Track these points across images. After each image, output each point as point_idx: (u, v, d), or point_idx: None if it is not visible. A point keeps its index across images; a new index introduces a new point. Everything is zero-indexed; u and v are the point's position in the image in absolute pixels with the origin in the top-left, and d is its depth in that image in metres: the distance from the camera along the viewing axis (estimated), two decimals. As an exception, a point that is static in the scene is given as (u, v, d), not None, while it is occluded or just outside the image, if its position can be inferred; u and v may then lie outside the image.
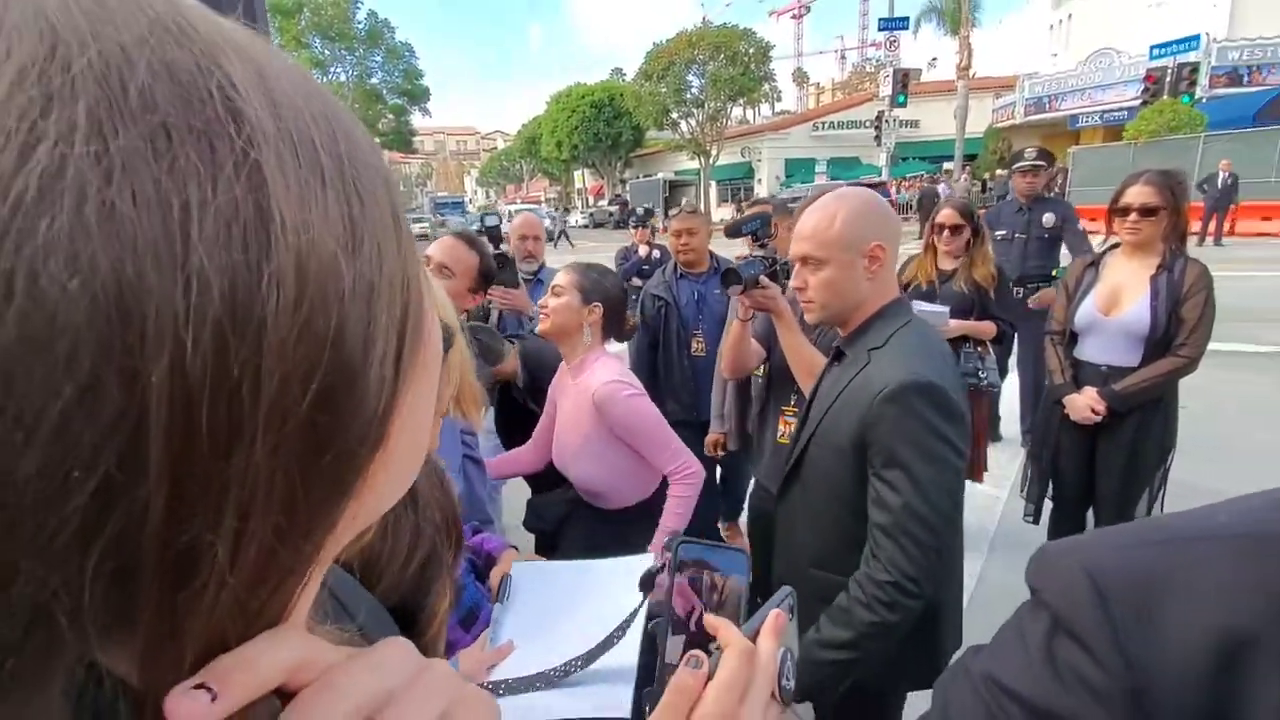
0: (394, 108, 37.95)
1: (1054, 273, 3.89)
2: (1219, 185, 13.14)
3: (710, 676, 0.48)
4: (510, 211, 26.77)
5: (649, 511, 1.76)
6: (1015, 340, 3.69)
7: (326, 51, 34.01)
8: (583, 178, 45.14)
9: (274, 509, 0.20)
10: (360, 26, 34.65)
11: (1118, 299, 2.31)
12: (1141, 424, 2.30)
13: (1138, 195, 2.24)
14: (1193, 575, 0.51)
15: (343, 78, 35.14)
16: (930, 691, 1.36)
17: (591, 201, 42.55)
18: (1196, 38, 19.08)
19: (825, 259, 1.31)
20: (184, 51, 0.19)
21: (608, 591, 1.12)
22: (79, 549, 0.17)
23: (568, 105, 34.77)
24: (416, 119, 40.57)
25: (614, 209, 31.71)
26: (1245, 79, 19.95)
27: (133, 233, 0.16)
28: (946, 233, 3.00)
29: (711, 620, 0.53)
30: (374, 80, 36.37)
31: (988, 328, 2.86)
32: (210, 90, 0.19)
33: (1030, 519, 2.68)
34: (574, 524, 1.87)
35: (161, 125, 0.17)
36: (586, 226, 34.18)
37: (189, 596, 0.19)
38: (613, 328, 1.82)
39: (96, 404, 0.16)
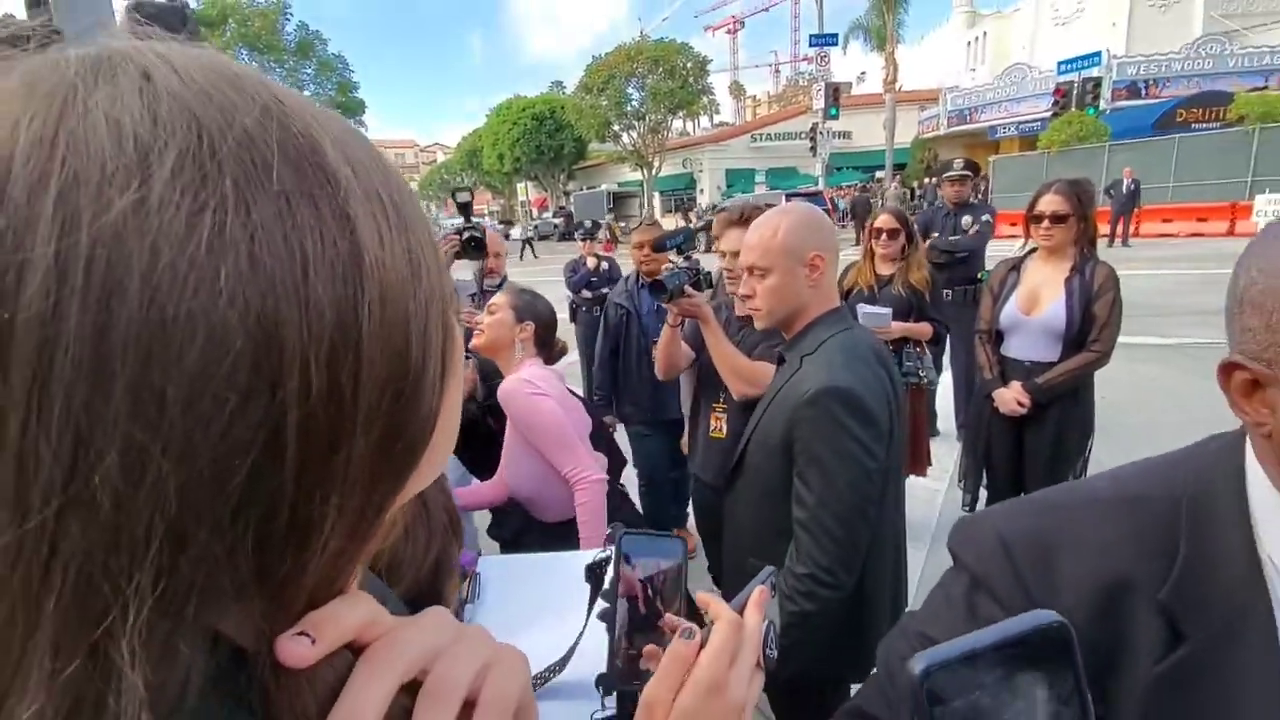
0: (327, 121, 36.83)
1: (979, 275, 4.15)
2: (1124, 191, 14.14)
3: (702, 646, 0.53)
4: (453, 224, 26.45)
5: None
6: (947, 339, 3.94)
7: (254, 64, 32.84)
8: (525, 190, 44.86)
9: (365, 486, 0.25)
10: (289, 39, 33.61)
11: (1037, 300, 2.50)
12: (1063, 413, 2.49)
13: (1049, 204, 2.44)
14: (1080, 534, 0.61)
15: (272, 90, 33.95)
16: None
17: (536, 214, 42.33)
18: (1098, 54, 20.53)
19: (769, 267, 1.39)
20: (288, 132, 0.24)
21: (575, 582, 1.18)
22: (237, 520, 0.22)
23: (508, 118, 34.57)
24: (352, 132, 39.49)
25: (559, 221, 31.66)
26: (1143, 92, 21.54)
27: (272, 277, 0.21)
28: (884, 236, 3.16)
29: (703, 598, 0.58)
30: (306, 93, 35.09)
31: (925, 329, 3.04)
32: (313, 162, 0.24)
33: (967, 508, 2.85)
34: (529, 536, 1.91)
35: (283, 193, 0.22)
36: (531, 239, 33.98)
37: (308, 558, 0.25)
38: (543, 347, 1.95)
39: (251, 408, 0.21)
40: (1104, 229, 14.64)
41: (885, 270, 3.21)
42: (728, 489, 1.57)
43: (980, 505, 2.88)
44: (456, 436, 0.33)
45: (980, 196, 17.83)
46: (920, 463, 3.13)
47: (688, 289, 1.93)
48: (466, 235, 2.71)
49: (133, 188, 0.20)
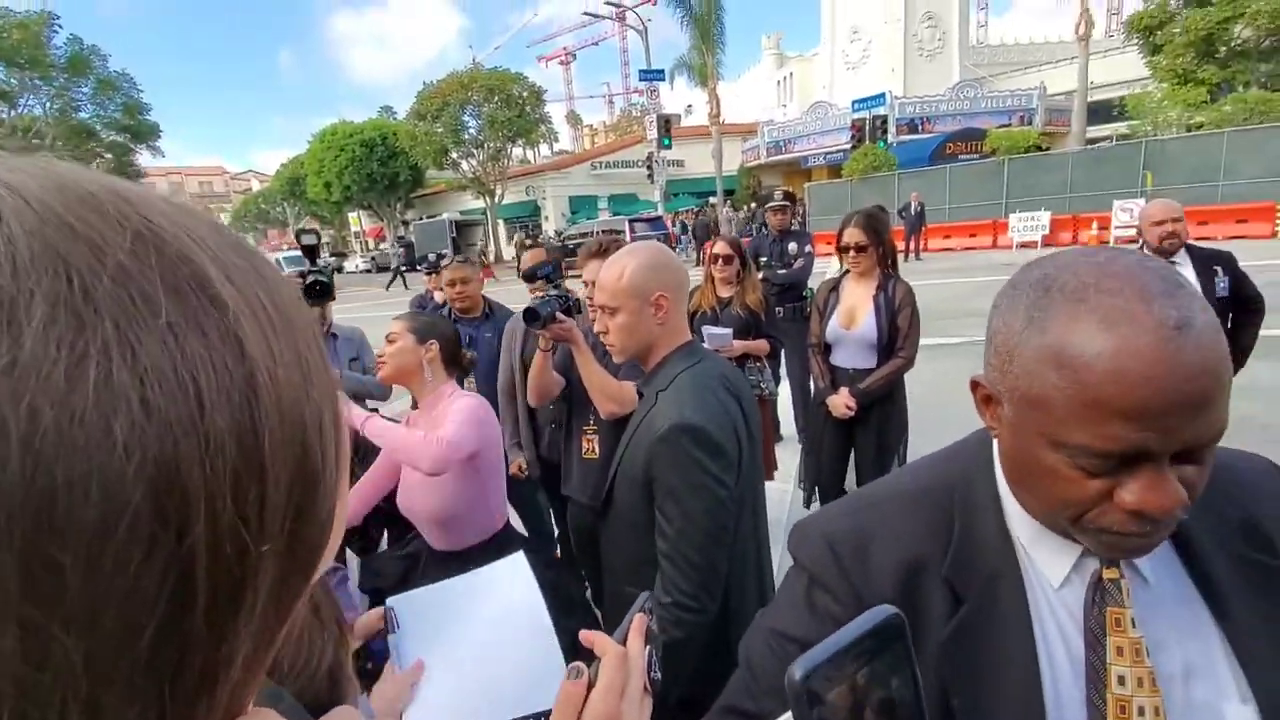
0: (112, 145, 32.35)
1: (805, 294, 4.67)
2: (912, 212, 16.37)
3: (591, 683, 0.56)
4: (279, 260, 24.28)
5: (496, 549, 1.79)
6: (783, 354, 4.40)
7: (14, 81, 28.07)
8: (359, 219, 42.29)
9: (273, 603, 0.24)
10: (59, 53, 29.14)
11: (853, 315, 2.91)
12: (883, 412, 2.92)
13: (850, 236, 2.88)
14: (885, 526, 0.70)
15: (39, 111, 29.22)
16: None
17: (372, 245, 40.06)
18: (883, 95, 23.69)
19: (618, 307, 1.45)
20: (165, 258, 0.22)
21: (495, 592, 1.14)
22: (150, 676, 0.20)
23: (334, 144, 32.51)
24: (145, 158, 35.00)
25: (399, 252, 30.21)
26: (919, 128, 25.14)
27: (167, 418, 0.20)
28: (720, 262, 3.50)
29: (586, 635, 0.61)
30: (83, 115, 30.75)
31: (763, 345, 3.38)
32: (193, 286, 0.22)
33: (806, 504, 3.24)
34: (422, 577, 1.82)
35: (168, 325, 0.21)
36: (369, 271, 32.09)
37: (220, 691, 0.23)
38: (452, 365, 1.93)
39: (155, 560, 0.19)
40: (900, 246, 16.87)
41: (724, 293, 3.53)
42: (602, 517, 1.61)
43: (816, 502, 3.26)
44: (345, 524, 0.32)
45: (800, 221, 19.68)
46: (768, 468, 3.45)
47: (559, 314, 2.01)
48: (311, 279, 2.50)
49: (0, 349, 0.18)
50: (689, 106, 49.85)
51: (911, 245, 16.50)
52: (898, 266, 2.95)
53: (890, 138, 22.34)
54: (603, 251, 2.27)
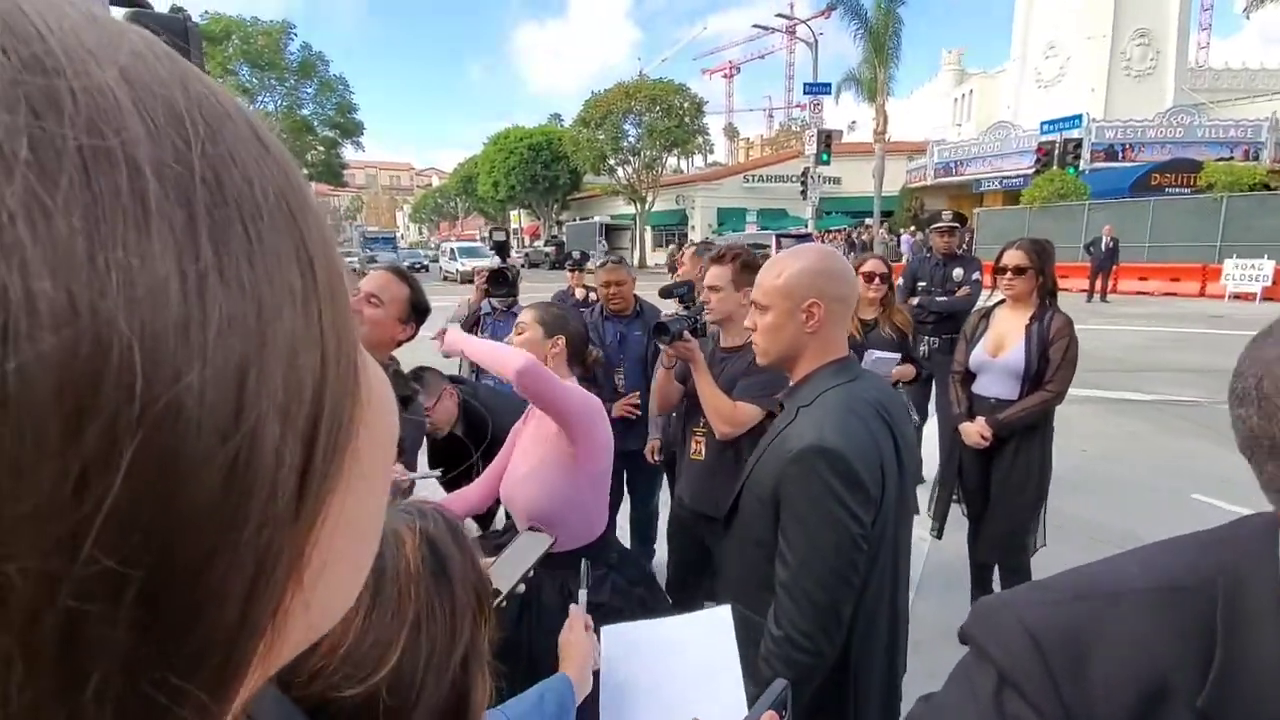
0: (324, 140, 37.09)
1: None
2: (1103, 248, 14.54)
3: None
4: (452, 249, 26.93)
5: (589, 555, 1.75)
6: (933, 385, 4.00)
7: (254, 80, 33.09)
8: (519, 218, 45.20)
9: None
10: (293, 58, 33.97)
11: (1001, 344, 2.75)
12: (1020, 446, 2.70)
13: (1011, 258, 2.72)
14: (1113, 629, 0.57)
15: (271, 107, 34.18)
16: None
17: (528, 242, 42.60)
18: (1079, 117, 21.34)
19: (768, 305, 1.38)
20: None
21: (698, 641, 1.16)
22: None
23: (505, 146, 35.02)
24: (349, 152, 39.78)
25: (549, 250, 31.85)
26: (1119, 155, 22.36)
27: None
28: (877, 280, 3.28)
29: None
30: (305, 111, 35.56)
31: (910, 370, 3.16)
32: None
33: (935, 534, 3.02)
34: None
35: None
36: (523, 266, 34.17)
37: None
38: (576, 361, 1.88)
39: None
40: (1084, 284, 15.05)
41: (867, 314, 3.28)
42: (725, 529, 1.54)
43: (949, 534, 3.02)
44: (371, 555, 0.24)
45: (966, 247, 18.25)
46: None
47: (686, 334, 2.12)
48: (498, 272, 3.13)
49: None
50: (852, 123, 48.16)
51: (1099, 284, 14.68)
52: (1055, 300, 2.74)
53: (1083, 164, 20.03)
54: (721, 258, 2.29)
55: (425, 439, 2.41)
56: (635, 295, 3.30)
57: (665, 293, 3.03)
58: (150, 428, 0.13)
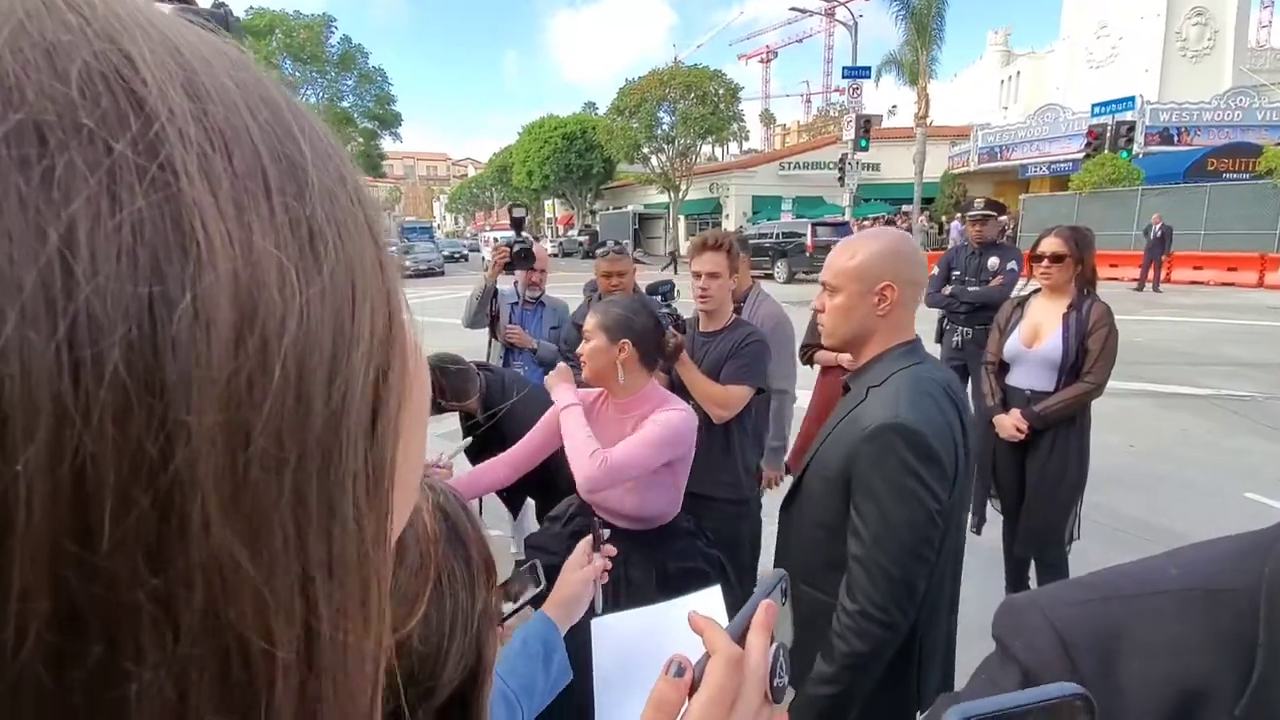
0: (364, 131, 37.73)
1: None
2: (1153, 236, 13.99)
3: (695, 684, 0.45)
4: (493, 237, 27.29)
5: (662, 535, 1.80)
6: (969, 377, 3.93)
7: (297, 73, 33.80)
8: (553, 207, 45.40)
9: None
10: (333, 50, 34.58)
11: (1037, 334, 2.68)
12: (1056, 439, 2.64)
13: (1048, 245, 2.65)
14: (1147, 629, 0.54)
15: (313, 99, 34.90)
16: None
17: (561, 231, 42.78)
18: (1132, 99, 20.45)
19: (839, 287, 1.40)
20: (68, 31, 0.15)
21: (681, 637, 1.18)
22: None
23: (540, 136, 35.13)
24: (387, 143, 40.42)
25: (583, 239, 31.94)
26: (1175, 139, 21.38)
27: None
28: None
29: (696, 620, 0.49)
30: (345, 103, 36.23)
31: None
32: (104, 74, 0.15)
33: (974, 529, 2.98)
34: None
35: (32, 124, 0.13)
36: (555, 255, 34.34)
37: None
38: (649, 358, 1.78)
39: None
40: (1136, 273, 14.51)
41: None
42: (784, 510, 1.55)
43: (986, 527, 2.99)
44: (408, 515, 0.26)
45: (1008, 236, 17.81)
46: None
47: (672, 329, 2.14)
48: (518, 247, 3.07)
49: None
50: (893, 107, 46.96)
51: (1150, 274, 14.14)
52: (1095, 289, 2.68)
53: (1136, 148, 19.22)
54: (714, 245, 2.37)
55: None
56: (636, 286, 3.22)
57: (651, 290, 2.97)
58: (290, 346, 0.16)
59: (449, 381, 2.34)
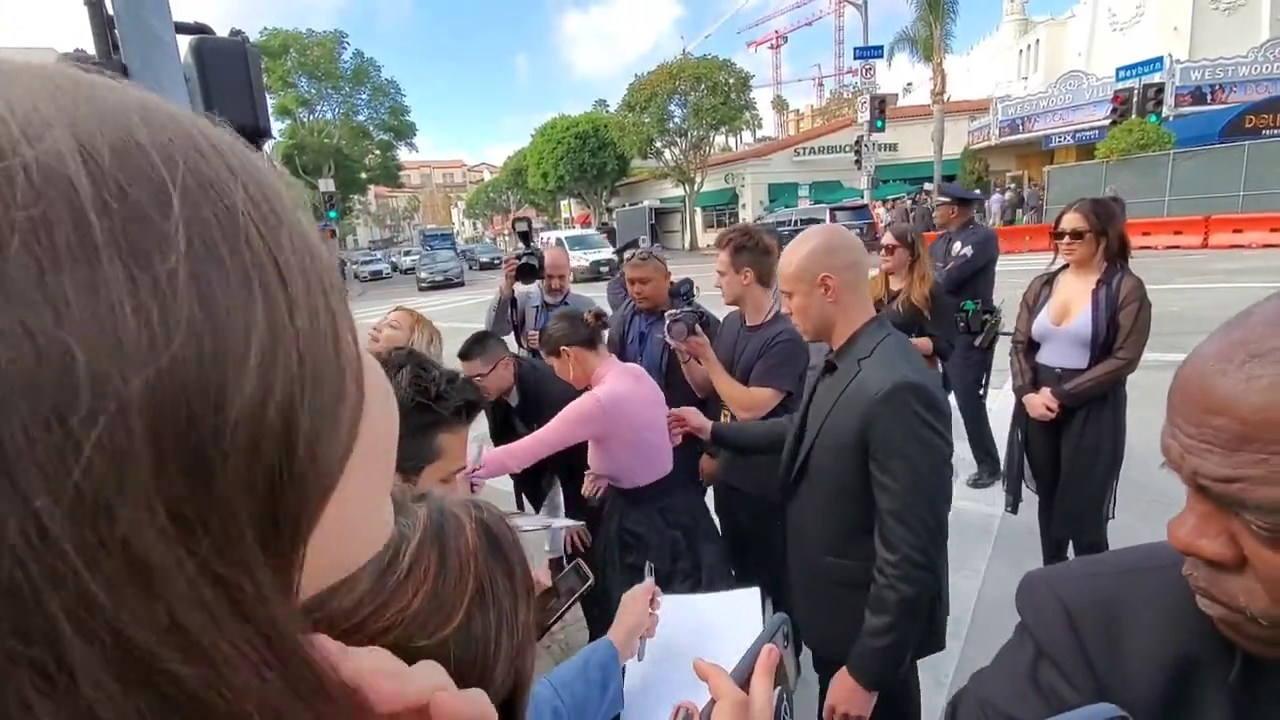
0: (380, 144, 38.31)
1: (964, 305, 3.85)
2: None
3: None
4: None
5: (668, 489, 2.14)
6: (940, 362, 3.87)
7: (313, 91, 34.41)
8: (569, 207, 45.56)
9: None
10: (346, 66, 35.12)
11: (1067, 310, 2.60)
12: (1089, 417, 2.57)
13: (1068, 221, 2.58)
14: (1149, 603, 0.57)
15: (329, 115, 35.50)
16: (930, 658, 1.57)
17: (578, 230, 42.91)
18: (1160, 60, 19.77)
19: (791, 291, 1.55)
20: None
21: (726, 619, 1.26)
22: None
23: (552, 137, 35.25)
24: (403, 153, 40.97)
25: (601, 237, 31.99)
26: (1208, 98, 20.62)
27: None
28: (884, 252, 3.35)
29: (702, 666, 0.51)
30: (360, 117, 36.79)
31: (926, 344, 3.12)
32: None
33: (1010, 509, 2.93)
34: (610, 513, 2.20)
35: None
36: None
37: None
38: (588, 345, 2.14)
39: None
40: (1169, 241, 14.01)
41: (896, 285, 3.34)
42: (790, 495, 1.65)
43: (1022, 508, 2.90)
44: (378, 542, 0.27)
45: (1033, 208, 17.42)
46: None
47: (696, 328, 2.22)
48: (523, 261, 3.18)
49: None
50: (908, 85, 46.15)
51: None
52: (1127, 261, 2.57)
53: (1166, 110, 18.56)
54: (720, 243, 2.40)
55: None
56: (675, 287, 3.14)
57: (672, 292, 2.96)
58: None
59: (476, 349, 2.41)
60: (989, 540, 3.43)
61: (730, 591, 1.38)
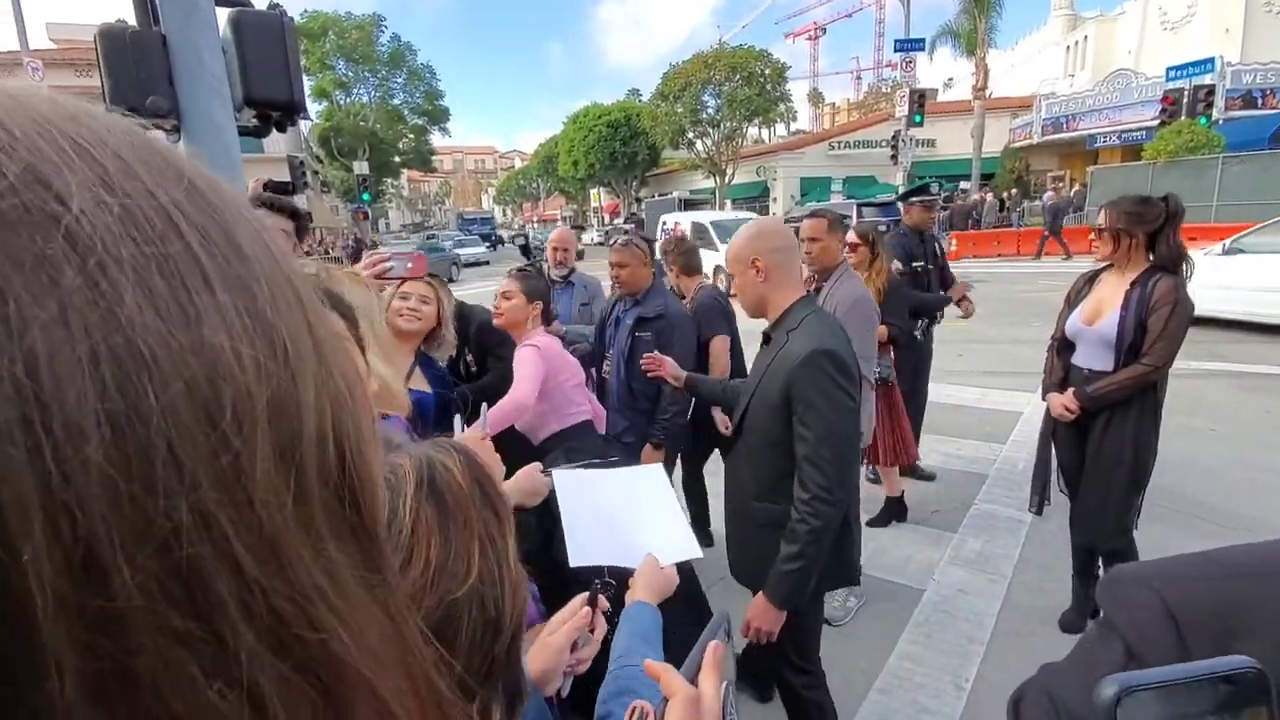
0: (414, 128, 38.60)
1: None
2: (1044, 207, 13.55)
3: None
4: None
5: (574, 433, 2.48)
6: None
7: (350, 73, 34.77)
8: (598, 196, 45.54)
9: None
10: (383, 50, 35.40)
11: (1099, 310, 2.53)
12: (1112, 422, 2.50)
13: (1102, 218, 2.52)
14: (1274, 612, 0.50)
15: (365, 99, 35.87)
16: (838, 591, 2.12)
17: (608, 219, 42.87)
18: (1211, 61, 19.03)
19: (732, 273, 1.84)
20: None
21: (635, 479, 1.53)
22: None
23: (584, 125, 35.19)
24: (436, 138, 41.24)
25: (629, 227, 31.92)
26: (1259, 102, 19.83)
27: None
28: (846, 249, 3.44)
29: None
30: (396, 101, 37.09)
31: (883, 332, 3.29)
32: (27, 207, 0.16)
33: (1034, 510, 2.87)
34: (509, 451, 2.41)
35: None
36: (602, 244, 34.45)
37: None
38: (545, 320, 2.59)
39: None
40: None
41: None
42: (729, 450, 1.94)
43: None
44: None
45: (1075, 210, 17.06)
46: (909, 456, 3.62)
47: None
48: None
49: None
50: (949, 80, 45.12)
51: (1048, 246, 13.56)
52: (1181, 266, 2.39)
53: (1216, 113, 17.88)
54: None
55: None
56: (666, 286, 3.22)
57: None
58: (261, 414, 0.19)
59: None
60: (1016, 545, 3.37)
61: (637, 466, 1.64)
